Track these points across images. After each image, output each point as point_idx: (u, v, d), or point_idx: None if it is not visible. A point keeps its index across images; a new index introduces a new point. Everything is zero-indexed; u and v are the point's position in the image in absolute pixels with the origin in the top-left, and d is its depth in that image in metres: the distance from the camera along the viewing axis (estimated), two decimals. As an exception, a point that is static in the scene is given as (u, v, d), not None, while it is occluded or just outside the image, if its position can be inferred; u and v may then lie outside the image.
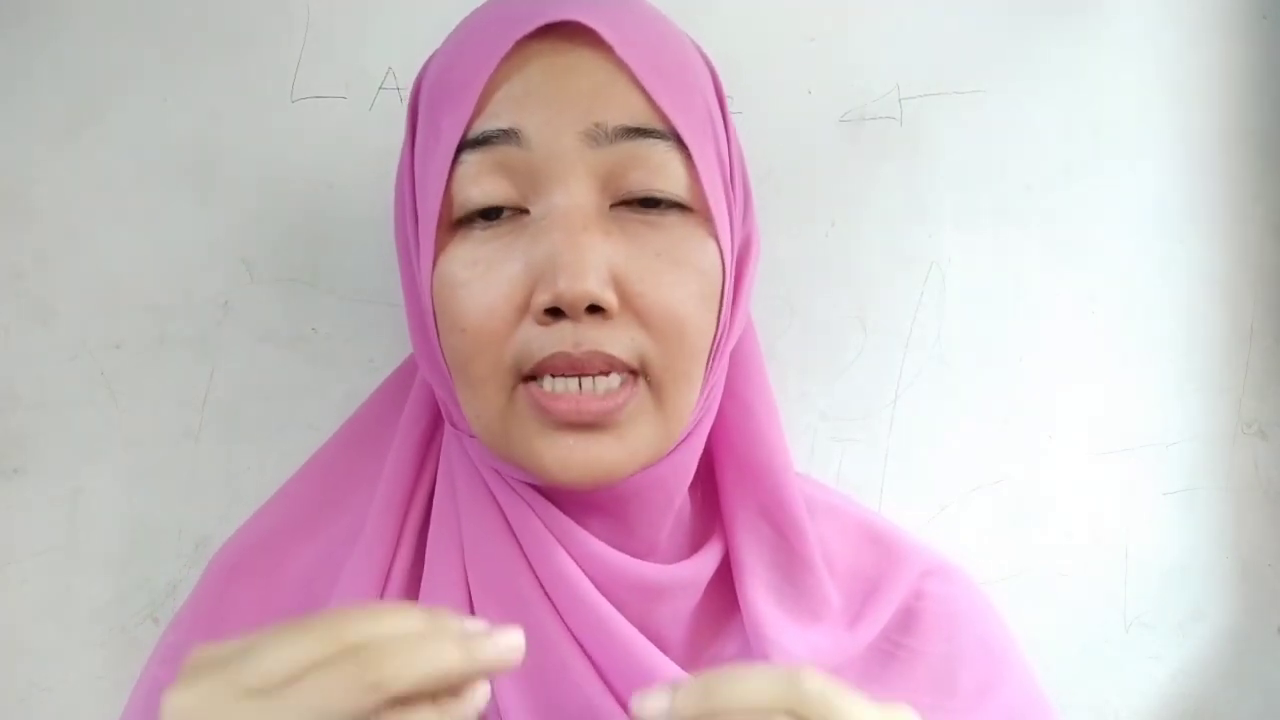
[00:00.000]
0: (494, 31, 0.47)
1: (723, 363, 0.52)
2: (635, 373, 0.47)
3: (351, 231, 0.67)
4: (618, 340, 0.45)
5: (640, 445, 0.47)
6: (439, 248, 0.48)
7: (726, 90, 0.54)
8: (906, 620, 0.54)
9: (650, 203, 0.47)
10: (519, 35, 0.46)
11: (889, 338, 0.71)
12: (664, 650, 0.49)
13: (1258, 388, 0.74)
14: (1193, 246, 0.73)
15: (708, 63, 0.53)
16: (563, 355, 0.45)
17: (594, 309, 0.45)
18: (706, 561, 0.52)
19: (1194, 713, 0.73)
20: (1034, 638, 0.69)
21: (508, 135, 0.46)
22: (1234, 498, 0.74)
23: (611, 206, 0.47)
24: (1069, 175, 0.72)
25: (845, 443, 0.71)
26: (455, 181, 0.47)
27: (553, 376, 0.46)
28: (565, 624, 0.49)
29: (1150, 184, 0.73)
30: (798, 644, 0.51)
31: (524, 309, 0.46)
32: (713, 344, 0.49)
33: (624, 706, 0.48)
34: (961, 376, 0.71)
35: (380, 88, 0.68)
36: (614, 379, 0.46)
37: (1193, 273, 0.73)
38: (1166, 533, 0.73)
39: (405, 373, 0.59)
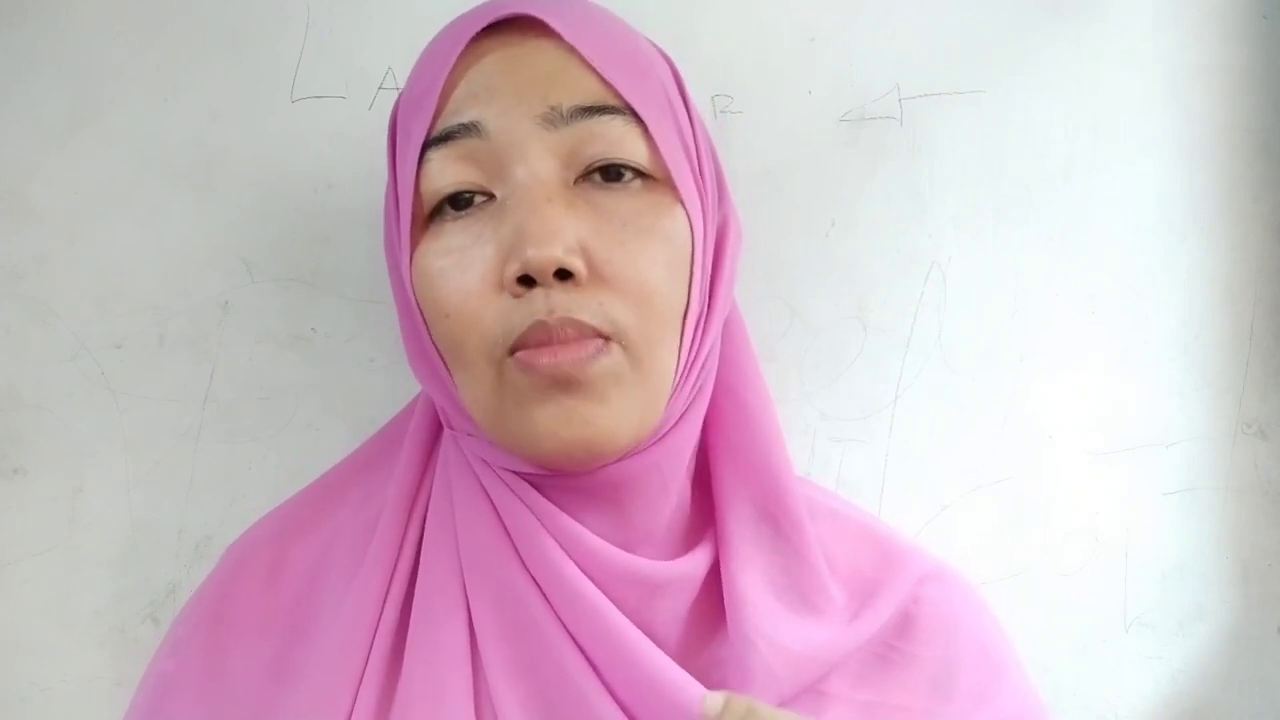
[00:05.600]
0: (449, 35, 0.50)
1: (706, 340, 0.52)
2: (609, 339, 0.47)
3: (351, 231, 0.68)
4: (587, 306, 0.46)
5: (623, 411, 0.47)
6: (414, 244, 0.50)
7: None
8: (904, 625, 0.54)
9: (613, 175, 0.48)
10: (471, 34, 0.48)
11: (889, 338, 0.71)
12: (660, 649, 0.49)
13: (1258, 388, 0.74)
14: (1193, 246, 0.73)
15: (666, 57, 0.55)
16: (539, 324, 0.46)
17: (563, 275, 0.46)
18: (702, 557, 0.53)
19: (1194, 713, 0.73)
20: (1034, 638, 0.69)
21: (468, 129, 0.48)
22: (1234, 498, 0.74)
23: (575, 182, 0.48)
24: (1069, 175, 0.72)
25: (845, 443, 0.71)
26: (423, 179, 0.49)
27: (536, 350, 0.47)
28: (560, 620, 0.49)
29: (1150, 184, 0.73)
30: (792, 637, 0.51)
31: (499, 286, 0.47)
32: (686, 315, 0.50)
33: (621, 704, 0.48)
34: (961, 376, 0.71)
35: (380, 88, 0.68)
36: (589, 346, 0.47)
37: (1193, 273, 0.73)
38: (1166, 533, 0.73)
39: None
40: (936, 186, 0.71)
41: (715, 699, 0.40)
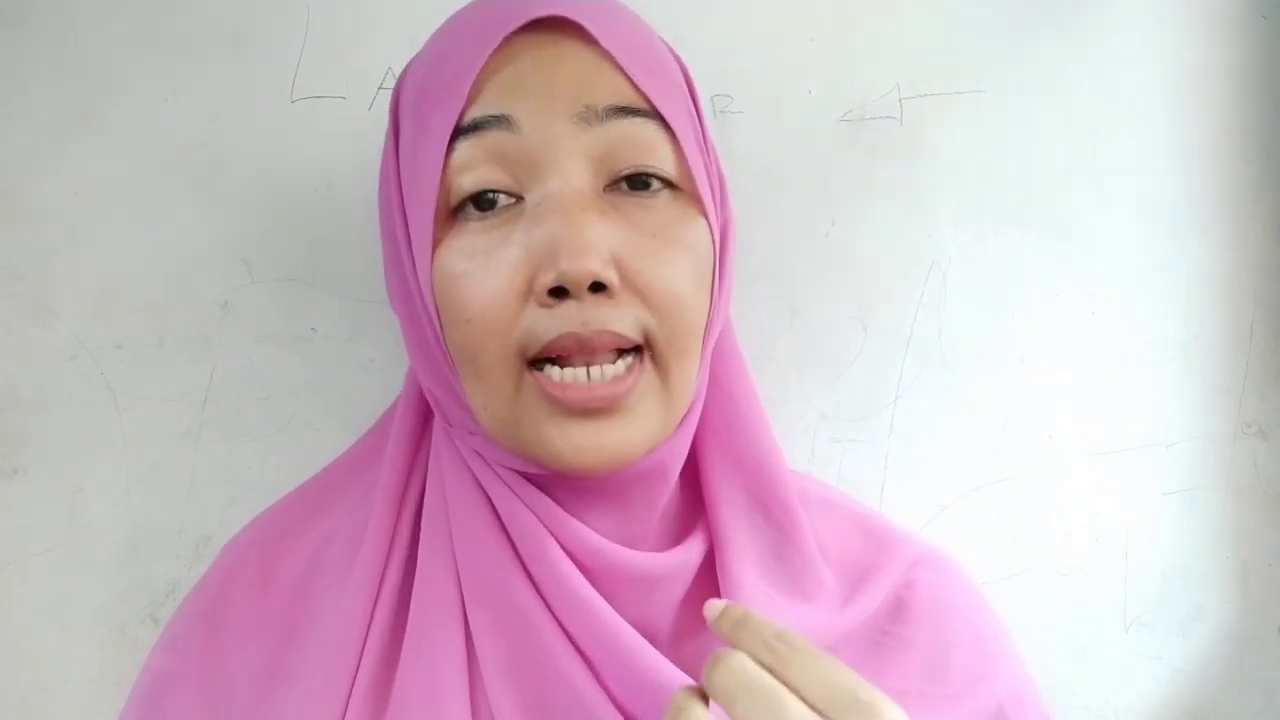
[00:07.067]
0: (481, 29, 0.48)
1: (712, 345, 0.53)
2: (640, 350, 0.47)
3: (351, 231, 0.67)
4: (622, 318, 0.46)
5: (648, 426, 0.48)
6: (435, 242, 0.48)
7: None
8: (897, 609, 0.55)
9: (641, 184, 0.48)
10: (508, 30, 0.47)
11: (889, 338, 0.71)
12: (653, 641, 0.50)
13: (1258, 388, 0.74)
14: (1193, 246, 0.73)
15: (679, 61, 0.55)
16: (571, 335, 0.45)
17: (597, 288, 0.45)
18: (695, 548, 0.53)
19: (1194, 713, 0.73)
20: (1034, 638, 0.69)
21: (500, 121, 0.47)
22: (1234, 498, 0.74)
23: (604, 190, 0.48)
24: (1069, 175, 0.72)
25: (846, 443, 0.71)
26: (449, 171, 0.48)
27: (560, 366, 0.46)
28: (558, 620, 0.49)
29: (1150, 184, 0.73)
30: (785, 621, 0.51)
31: (526, 294, 0.46)
32: (708, 326, 0.50)
33: (618, 705, 0.48)
34: (961, 376, 0.71)
35: (380, 88, 0.68)
36: (620, 365, 0.47)
37: (1193, 273, 0.73)
38: (1166, 533, 0.73)
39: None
40: (936, 186, 0.71)
41: (715, 605, 0.42)
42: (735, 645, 0.40)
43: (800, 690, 0.38)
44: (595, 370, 0.46)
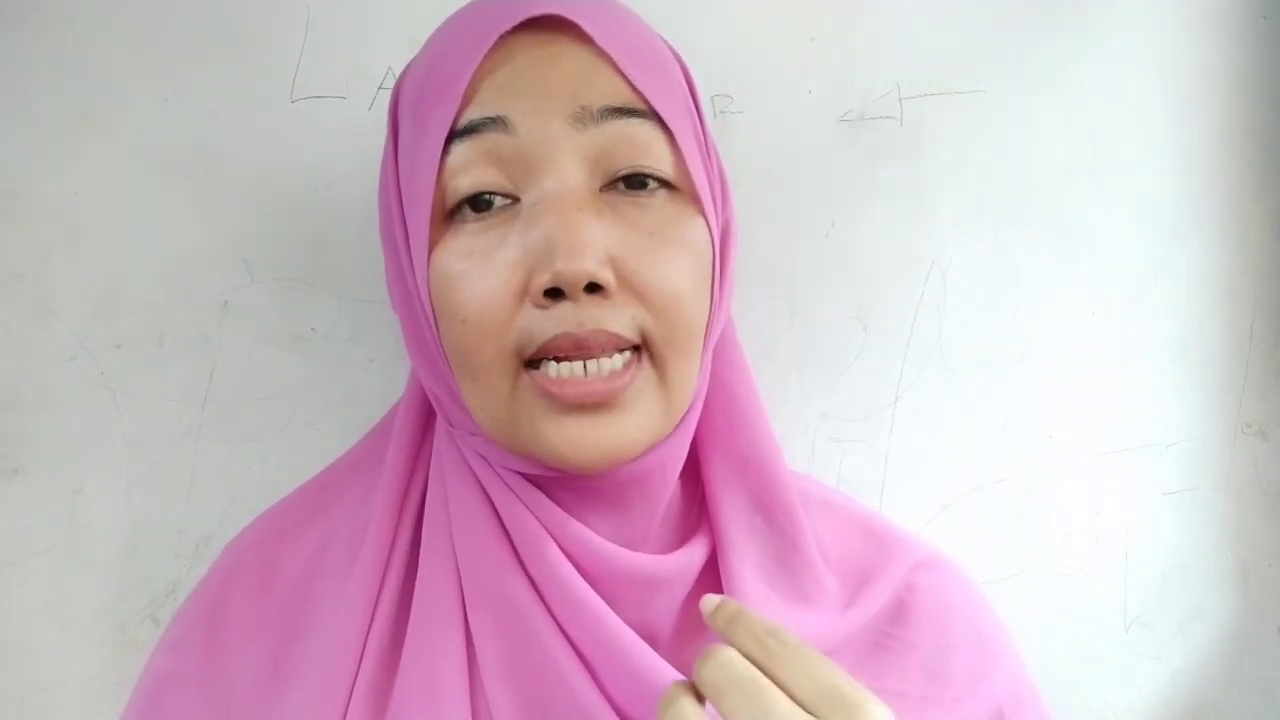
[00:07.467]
0: (477, 29, 0.48)
1: (712, 345, 0.53)
2: (638, 349, 0.47)
3: (351, 232, 0.68)
4: (618, 318, 0.46)
5: (646, 422, 0.48)
6: (432, 243, 0.48)
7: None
8: (898, 612, 0.55)
9: (638, 184, 0.48)
10: (503, 29, 0.47)
11: (889, 338, 0.71)
12: (654, 643, 0.50)
13: (1258, 388, 0.74)
14: (1193, 246, 0.73)
15: (679, 60, 0.55)
16: (567, 335, 0.45)
17: (593, 288, 0.45)
18: (697, 551, 0.53)
19: (1194, 713, 0.73)
20: (1034, 638, 0.69)
21: (495, 123, 0.47)
22: (1234, 498, 0.74)
23: (601, 190, 0.48)
24: (1069, 175, 0.72)
25: (846, 443, 0.71)
26: (445, 172, 0.48)
27: (557, 361, 0.46)
28: (558, 622, 0.49)
29: (1150, 184, 0.73)
30: (786, 625, 0.51)
31: (522, 294, 0.46)
32: (708, 326, 0.50)
33: (618, 709, 0.48)
34: (962, 377, 0.71)
35: (380, 88, 0.68)
36: (617, 359, 0.46)
37: (1193, 273, 0.73)
38: (1166, 533, 0.73)
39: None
40: (936, 186, 0.71)
41: (711, 599, 0.42)
42: (728, 640, 0.40)
43: (789, 687, 0.39)
44: (592, 365, 0.46)
